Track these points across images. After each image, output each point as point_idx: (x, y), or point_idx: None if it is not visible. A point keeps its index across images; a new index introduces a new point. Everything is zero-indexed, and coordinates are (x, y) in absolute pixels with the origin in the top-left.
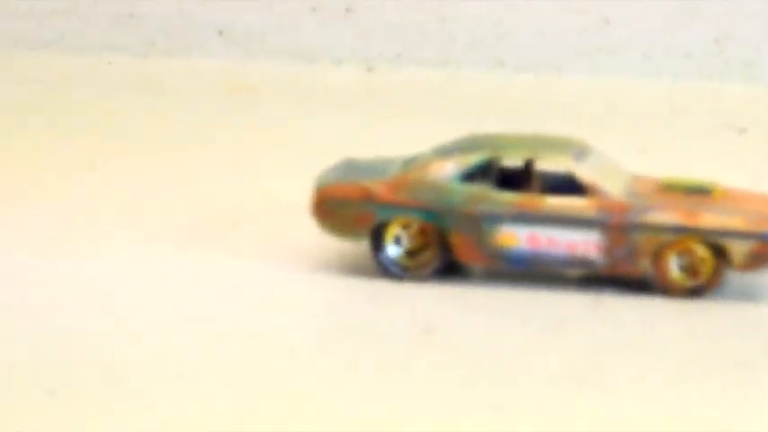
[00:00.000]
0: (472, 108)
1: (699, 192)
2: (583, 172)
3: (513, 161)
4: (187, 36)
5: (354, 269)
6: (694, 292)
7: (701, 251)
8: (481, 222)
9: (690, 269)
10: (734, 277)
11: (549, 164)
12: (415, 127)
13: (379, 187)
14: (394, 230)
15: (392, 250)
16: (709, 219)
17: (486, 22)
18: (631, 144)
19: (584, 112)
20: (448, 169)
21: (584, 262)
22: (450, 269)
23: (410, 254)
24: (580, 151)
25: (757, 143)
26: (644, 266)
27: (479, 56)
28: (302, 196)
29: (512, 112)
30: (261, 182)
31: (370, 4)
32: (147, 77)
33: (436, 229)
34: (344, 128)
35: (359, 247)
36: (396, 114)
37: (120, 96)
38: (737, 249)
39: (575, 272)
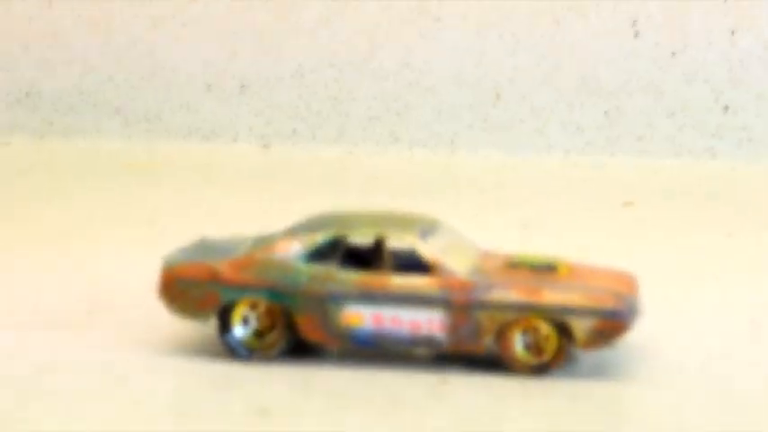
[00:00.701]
0: (368, 184)
1: (544, 268)
2: (426, 250)
3: (359, 239)
4: (84, 116)
5: (204, 350)
6: (539, 370)
7: (545, 328)
8: (326, 302)
9: (534, 347)
10: (582, 355)
11: (394, 242)
12: (310, 204)
13: (224, 267)
14: (241, 311)
15: (239, 331)
16: (551, 296)
17: (381, 99)
18: (518, 219)
19: (476, 186)
20: (293, 249)
21: (428, 341)
22: (305, 349)
23: (257, 334)
24: (427, 229)
25: (642, 216)
26: (488, 344)
27: (374, 132)
28: None
29: (407, 188)
30: (137, 262)
31: (264, 82)
32: (43, 157)
33: (282, 309)
34: (240, 206)
35: (209, 328)
36: (291, 191)
37: (16, 176)
38: (580, 326)
39: (420, 351)
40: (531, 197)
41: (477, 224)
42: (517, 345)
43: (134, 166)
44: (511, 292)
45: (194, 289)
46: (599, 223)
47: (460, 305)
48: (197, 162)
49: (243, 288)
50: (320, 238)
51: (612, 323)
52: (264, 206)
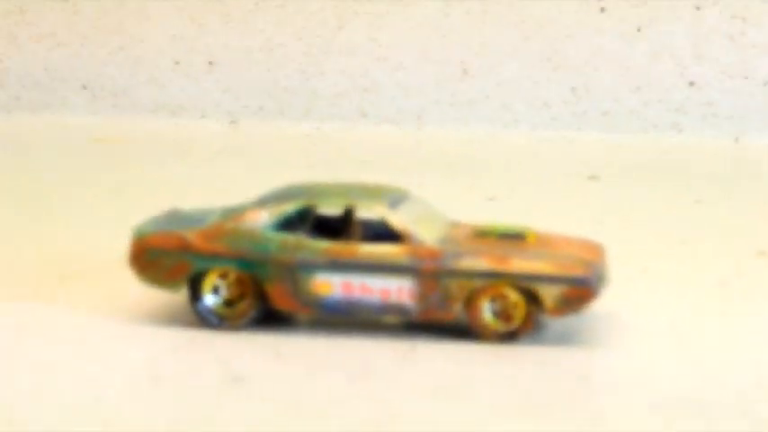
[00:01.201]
0: (336, 160)
1: (512, 237)
2: (396, 219)
3: (328, 209)
4: (51, 91)
5: (174, 319)
6: (508, 337)
7: (513, 296)
8: (296, 271)
9: (503, 314)
10: (550, 321)
11: (364, 212)
12: (278, 180)
13: (195, 237)
14: (212, 280)
15: (210, 300)
16: (520, 264)
17: (348, 75)
18: (485, 192)
19: (443, 161)
20: (262, 218)
21: (398, 308)
22: (276, 318)
23: (228, 303)
24: (396, 198)
25: (606, 190)
26: (457, 312)
27: (342, 108)
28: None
29: (375, 163)
30: (106, 234)
31: (232, 59)
32: (11, 132)
33: (252, 278)
34: (208, 181)
35: (180, 296)
36: (260, 167)
37: None
38: (548, 294)
39: (390, 319)
40: (499, 171)
41: (445, 197)
42: (486, 312)
43: (102, 141)
44: (479, 261)
45: (165, 258)
46: (565, 196)
47: (429, 273)
48: (165, 137)
49: (213, 257)
50: (289, 207)
51: (580, 290)
52: (232, 181)
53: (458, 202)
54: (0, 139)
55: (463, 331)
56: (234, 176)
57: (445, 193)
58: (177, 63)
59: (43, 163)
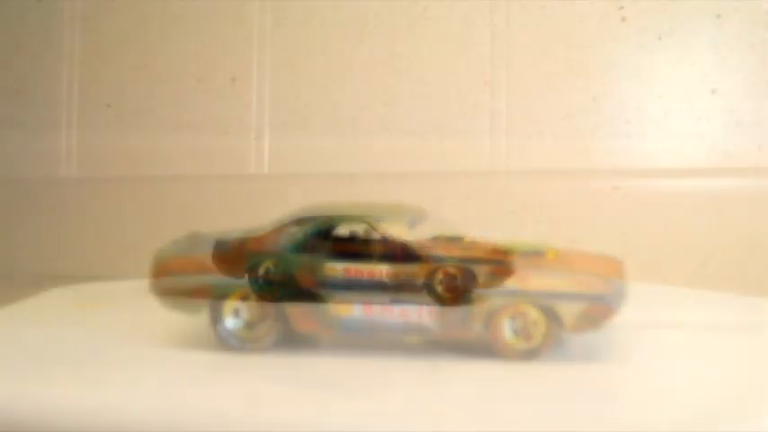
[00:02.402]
0: (357, 174)
1: (532, 254)
2: (415, 239)
3: (348, 230)
4: (75, 110)
5: (195, 342)
6: (529, 355)
7: (534, 314)
8: (316, 292)
9: (523, 332)
10: (570, 338)
11: (383, 231)
12: (301, 195)
13: (215, 259)
14: (232, 303)
15: (231, 322)
16: (539, 282)
17: (370, 89)
18: (506, 205)
19: (465, 174)
20: (282, 240)
21: (418, 328)
22: (297, 339)
23: (249, 326)
24: (415, 218)
25: (629, 200)
26: (477, 331)
27: (363, 122)
28: None
29: (396, 177)
30: (134, 255)
31: (255, 74)
32: (35, 153)
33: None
34: (231, 198)
35: (201, 319)
36: (282, 183)
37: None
38: (568, 311)
39: (410, 338)
40: (520, 183)
41: (466, 210)
42: (506, 330)
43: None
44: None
45: (186, 281)
46: (587, 206)
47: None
48: (188, 155)
49: (234, 280)
50: (309, 229)
51: (600, 307)
52: (255, 198)
53: (479, 214)
54: (24, 159)
55: (484, 350)
56: (257, 192)
57: (467, 206)
58: (200, 80)
59: (66, 182)
